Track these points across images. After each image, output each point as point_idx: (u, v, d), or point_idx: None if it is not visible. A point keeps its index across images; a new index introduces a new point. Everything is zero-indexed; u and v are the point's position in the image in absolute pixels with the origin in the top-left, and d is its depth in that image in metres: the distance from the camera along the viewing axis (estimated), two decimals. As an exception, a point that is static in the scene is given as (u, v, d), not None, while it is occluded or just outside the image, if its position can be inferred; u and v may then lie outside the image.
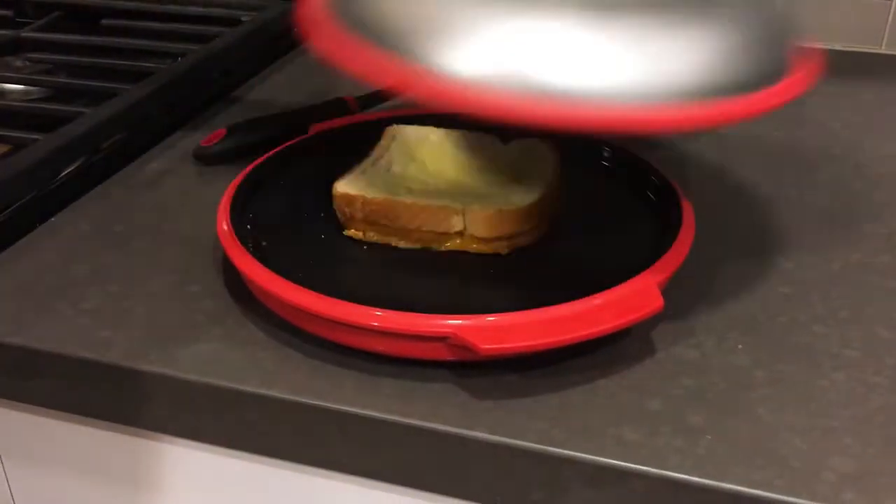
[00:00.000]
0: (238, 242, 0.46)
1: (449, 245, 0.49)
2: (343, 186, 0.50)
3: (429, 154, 0.54)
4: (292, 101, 0.72)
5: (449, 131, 0.56)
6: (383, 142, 0.55)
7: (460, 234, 0.49)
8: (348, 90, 0.67)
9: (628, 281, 0.43)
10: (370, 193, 0.49)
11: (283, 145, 0.58)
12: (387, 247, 0.50)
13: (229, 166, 0.61)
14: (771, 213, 0.56)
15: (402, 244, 0.50)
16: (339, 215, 0.51)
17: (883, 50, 0.85)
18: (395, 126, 0.56)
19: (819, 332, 0.45)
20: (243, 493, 0.48)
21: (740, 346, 0.44)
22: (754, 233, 0.54)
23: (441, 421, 0.40)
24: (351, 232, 0.51)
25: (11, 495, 0.54)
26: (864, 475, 0.37)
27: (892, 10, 0.83)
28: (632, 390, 0.41)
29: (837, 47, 0.85)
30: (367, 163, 0.53)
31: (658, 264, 0.45)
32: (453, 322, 0.40)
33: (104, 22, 0.83)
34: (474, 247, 0.49)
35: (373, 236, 0.50)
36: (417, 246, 0.50)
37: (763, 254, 0.52)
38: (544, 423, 0.40)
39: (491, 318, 0.41)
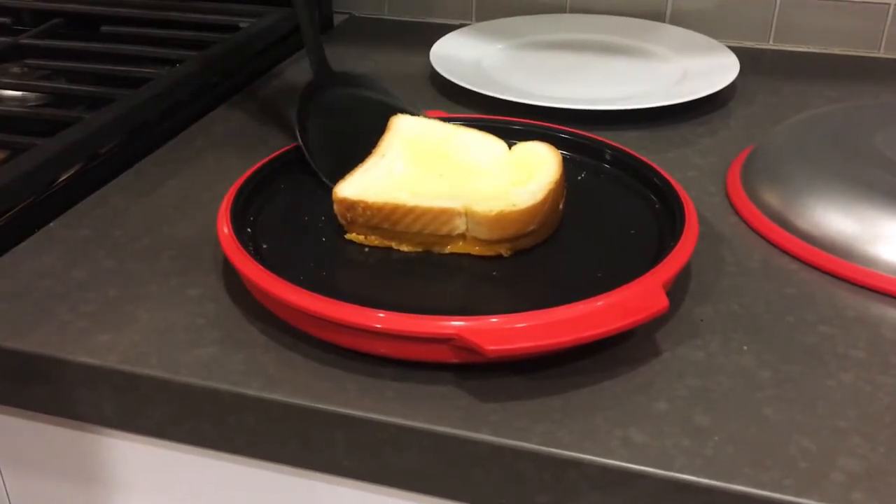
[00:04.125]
0: (239, 246, 0.46)
1: (450, 248, 0.49)
2: (343, 191, 0.49)
3: (432, 151, 0.54)
4: (291, 108, 0.72)
5: (454, 128, 0.55)
6: (387, 135, 0.54)
7: (462, 236, 0.49)
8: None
9: (633, 282, 0.43)
10: (370, 197, 0.48)
11: (283, 149, 0.57)
12: (388, 249, 0.50)
13: (229, 171, 0.60)
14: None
15: (403, 248, 0.49)
16: (340, 219, 0.50)
17: (881, 54, 0.85)
18: (399, 116, 0.56)
19: (825, 333, 0.45)
20: (245, 498, 0.47)
21: (746, 347, 0.44)
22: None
23: (445, 423, 0.39)
24: (352, 236, 0.50)
25: (9, 501, 0.53)
26: (872, 475, 0.36)
27: (890, 14, 0.83)
28: (637, 391, 0.41)
29: (836, 51, 0.85)
30: (370, 161, 0.52)
31: (662, 265, 0.44)
32: (457, 323, 0.40)
33: (103, 29, 0.83)
34: (476, 249, 0.49)
35: (374, 240, 0.50)
36: (419, 249, 0.49)
37: (767, 255, 0.52)
38: (549, 424, 0.39)
39: (495, 319, 0.40)
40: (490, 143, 0.55)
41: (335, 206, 0.50)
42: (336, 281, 0.47)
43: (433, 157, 0.54)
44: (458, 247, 0.49)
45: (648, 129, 0.68)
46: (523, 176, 0.51)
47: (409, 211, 0.48)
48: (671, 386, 0.41)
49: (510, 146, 0.54)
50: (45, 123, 0.62)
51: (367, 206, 0.48)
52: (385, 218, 0.48)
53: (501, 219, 0.47)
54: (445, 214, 0.48)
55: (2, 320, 0.46)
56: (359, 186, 0.50)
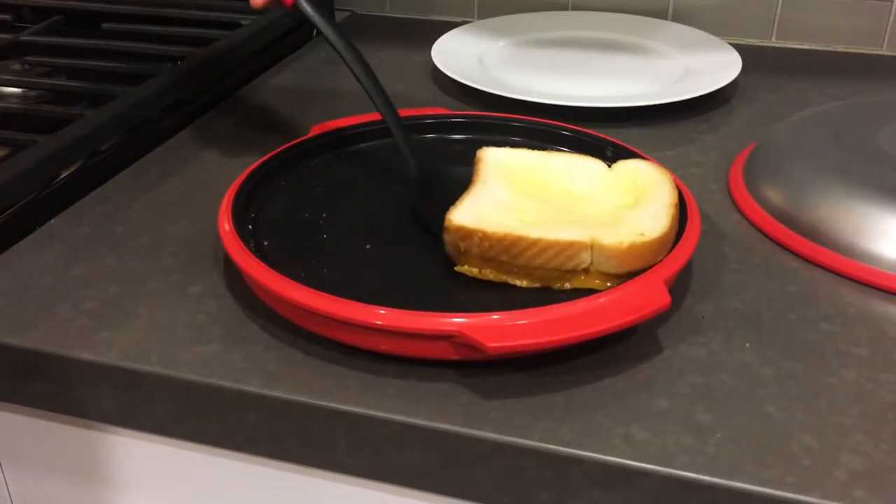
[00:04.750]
0: (240, 243, 0.46)
1: (573, 283, 0.45)
2: (458, 218, 0.45)
3: (530, 178, 0.51)
4: (292, 105, 0.72)
5: (544, 153, 0.53)
6: (480, 165, 0.52)
7: (586, 270, 0.45)
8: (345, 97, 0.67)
9: (635, 278, 0.43)
10: (489, 227, 0.44)
11: (284, 146, 0.57)
12: (390, 245, 0.49)
13: (230, 168, 0.60)
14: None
15: (521, 283, 0.45)
16: (451, 250, 0.46)
17: (884, 51, 0.84)
18: (485, 149, 0.53)
19: (827, 330, 0.45)
20: (246, 495, 0.47)
21: (748, 345, 0.44)
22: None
23: (446, 421, 0.39)
24: (464, 268, 0.46)
25: (10, 499, 0.53)
26: (875, 473, 0.36)
27: (893, 12, 0.83)
28: (639, 389, 0.41)
29: (838, 48, 0.85)
30: (473, 190, 0.49)
31: (664, 262, 0.44)
32: (459, 320, 0.40)
33: (105, 26, 0.83)
34: (601, 283, 0.45)
35: (489, 274, 0.46)
36: (537, 285, 0.45)
37: (770, 252, 0.52)
38: (551, 422, 0.39)
39: (497, 315, 0.40)
40: (587, 164, 0.52)
41: (447, 236, 0.46)
42: (337, 278, 0.47)
43: (532, 184, 0.51)
44: (581, 281, 0.45)
45: (650, 126, 0.67)
46: (632, 198, 0.48)
47: (533, 244, 0.44)
48: (673, 383, 0.41)
49: (609, 165, 0.52)
50: (45, 120, 0.62)
51: (485, 237, 0.44)
52: (505, 250, 0.44)
53: (633, 251, 0.44)
54: (571, 248, 0.44)
55: (2, 317, 0.46)
56: (472, 215, 0.46)
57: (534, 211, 0.48)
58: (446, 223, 0.46)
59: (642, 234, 0.44)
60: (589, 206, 0.49)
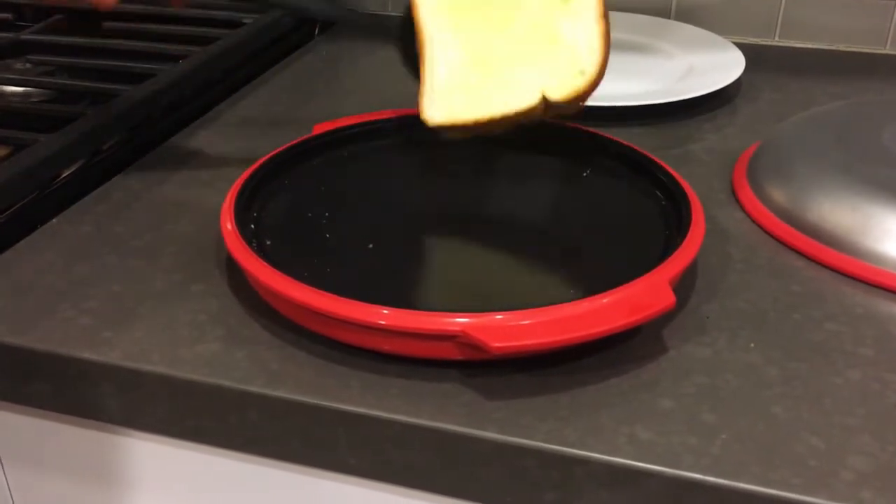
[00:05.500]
0: (243, 242, 0.46)
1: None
2: (433, 117, 0.52)
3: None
4: (293, 104, 0.72)
5: None
6: (417, 12, 0.54)
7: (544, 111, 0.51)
8: (344, 97, 0.67)
9: (639, 278, 0.43)
10: (461, 118, 0.51)
11: (286, 145, 0.57)
12: (390, 246, 0.49)
13: (232, 167, 0.60)
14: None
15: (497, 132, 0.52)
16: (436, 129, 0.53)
17: (887, 50, 0.84)
18: None
19: (832, 330, 0.45)
20: (247, 495, 0.47)
21: (752, 344, 0.44)
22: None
23: (449, 421, 0.39)
24: (451, 136, 0.53)
25: (11, 499, 0.53)
26: (882, 473, 0.36)
27: (897, 11, 0.83)
28: (644, 389, 0.41)
29: (841, 48, 0.85)
30: (427, 61, 0.53)
31: (669, 261, 0.44)
32: (462, 320, 0.40)
33: (106, 24, 0.83)
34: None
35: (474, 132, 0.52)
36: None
37: (774, 252, 0.51)
38: (555, 422, 0.39)
39: (501, 315, 0.40)
40: None
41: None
42: (340, 277, 0.47)
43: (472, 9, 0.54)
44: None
45: (653, 125, 0.67)
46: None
47: (500, 120, 0.51)
48: (678, 383, 0.41)
49: None
50: (47, 119, 0.62)
51: (459, 126, 0.52)
52: (478, 127, 0.52)
53: (579, 92, 0.50)
54: (530, 111, 0.50)
55: (3, 317, 0.46)
56: (442, 108, 0.52)
57: (485, 51, 0.52)
58: (424, 121, 0.52)
59: (582, 72, 0.50)
60: (525, 14, 0.52)
